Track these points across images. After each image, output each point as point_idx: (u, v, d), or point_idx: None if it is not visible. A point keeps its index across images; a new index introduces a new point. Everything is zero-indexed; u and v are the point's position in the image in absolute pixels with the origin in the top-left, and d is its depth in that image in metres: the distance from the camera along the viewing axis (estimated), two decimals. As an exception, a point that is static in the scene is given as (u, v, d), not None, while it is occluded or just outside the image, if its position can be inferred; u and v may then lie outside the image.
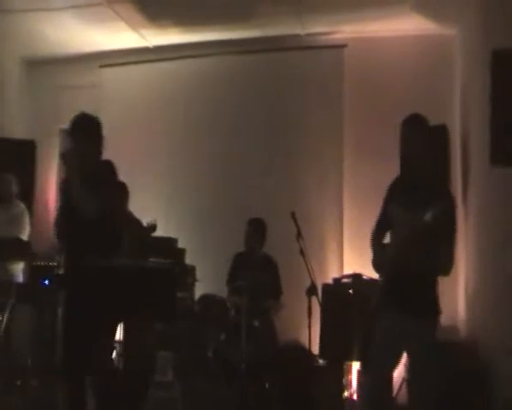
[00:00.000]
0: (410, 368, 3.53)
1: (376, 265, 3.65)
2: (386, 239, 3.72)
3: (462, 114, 5.50)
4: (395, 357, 3.55)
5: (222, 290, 5.31)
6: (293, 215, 4.64)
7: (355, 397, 4.83)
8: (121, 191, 4.92)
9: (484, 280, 4.46)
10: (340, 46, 6.22)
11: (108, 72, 6.93)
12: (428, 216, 3.20)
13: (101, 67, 6.92)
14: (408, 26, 5.95)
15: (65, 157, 3.59)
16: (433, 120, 5.21)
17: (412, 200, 3.39)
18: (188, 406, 4.49)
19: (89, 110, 6.76)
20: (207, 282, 5.56)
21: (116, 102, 6.82)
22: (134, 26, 6.31)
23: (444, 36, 5.92)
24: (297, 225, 4.64)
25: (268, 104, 6.37)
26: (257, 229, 5.40)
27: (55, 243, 4.05)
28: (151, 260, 5.14)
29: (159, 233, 5.29)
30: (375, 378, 3.57)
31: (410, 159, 3.55)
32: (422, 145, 3.54)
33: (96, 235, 3.48)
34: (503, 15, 3.78)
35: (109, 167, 3.70)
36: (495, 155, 3.44)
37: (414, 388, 3.64)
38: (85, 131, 3.63)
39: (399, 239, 3.44)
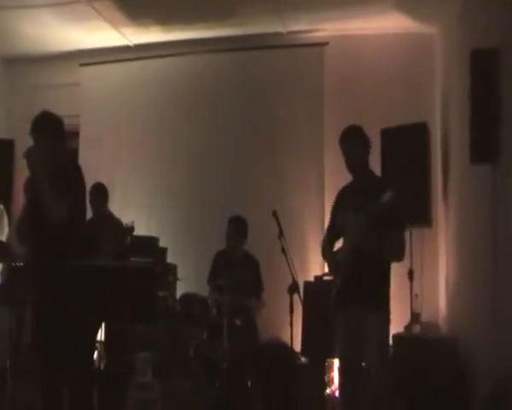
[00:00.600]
0: (366, 361, 3.63)
1: (332, 271, 3.82)
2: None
3: (442, 112, 5.53)
4: (359, 350, 3.63)
5: (204, 289, 5.28)
6: (274, 214, 4.64)
7: (337, 394, 4.83)
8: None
9: (463, 277, 4.50)
10: (322, 44, 6.23)
11: (88, 70, 6.88)
12: (386, 196, 3.36)
13: (82, 65, 6.87)
14: (389, 24, 5.96)
15: (27, 156, 3.45)
16: (414, 118, 5.29)
17: (361, 203, 3.53)
18: (168, 406, 4.46)
19: (68, 109, 6.76)
20: (189, 281, 5.53)
21: (96, 101, 6.79)
22: (114, 25, 6.27)
23: (424, 34, 5.95)
24: (279, 223, 4.64)
25: (249, 102, 6.35)
26: (238, 227, 5.39)
27: (15, 245, 3.99)
28: (132, 259, 5.11)
29: (141, 232, 5.27)
30: (345, 374, 3.69)
31: (352, 169, 3.74)
32: (360, 155, 3.72)
33: (63, 237, 3.42)
34: (481, 15, 3.80)
35: (75, 169, 3.64)
36: (474, 154, 3.47)
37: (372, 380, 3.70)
38: (45, 130, 3.53)
39: (351, 240, 3.58)
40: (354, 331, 3.59)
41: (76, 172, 3.60)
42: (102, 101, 6.77)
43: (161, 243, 5.64)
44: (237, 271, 5.20)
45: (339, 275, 3.72)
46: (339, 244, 3.84)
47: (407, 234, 5.04)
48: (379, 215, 3.40)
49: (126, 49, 6.72)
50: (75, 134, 6.75)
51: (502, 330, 3.22)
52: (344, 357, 3.70)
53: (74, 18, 6.06)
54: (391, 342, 4.51)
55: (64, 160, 3.63)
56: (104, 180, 5.56)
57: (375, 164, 4.76)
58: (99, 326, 4.30)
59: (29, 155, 3.45)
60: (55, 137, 3.54)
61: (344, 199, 3.83)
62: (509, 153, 3.12)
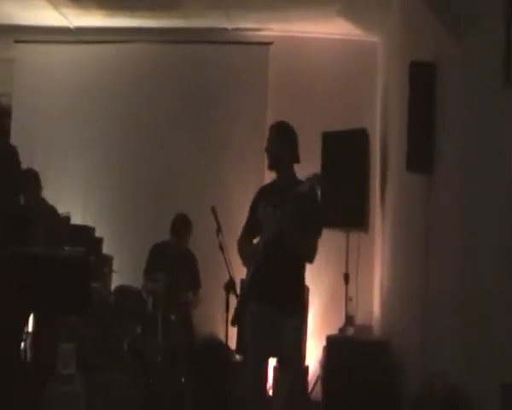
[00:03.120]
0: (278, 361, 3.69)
1: (246, 262, 3.81)
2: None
3: (382, 119, 5.68)
4: (268, 350, 3.64)
5: (139, 282, 5.23)
6: (213, 210, 4.61)
7: (271, 393, 4.89)
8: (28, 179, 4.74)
9: (397, 282, 4.64)
10: (266, 43, 6.25)
11: (24, 47, 6.59)
12: (305, 185, 3.43)
13: (17, 42, 6.59)
14: (334, 29, 6.06)
15: None
16: (355, 124, 5.41)
17: (280, 199, 3.54)
18: (98, 401, 4.38)
19: (1, 86, 6.48)
20: (125, 273, 5.44)
21: (31, 81, 6.52)
22: (54, 4, 6.05)
23: (368, 42, 6.09)
24: (217, 220, 4.62)
25: (191, 97, 6.28)
26: (190, 227, 5.40)
27: None
28: (66, 248, 4.96)
29: (76, 221, 5.13)
30: (252, 368, 3.65)
31: (272, 163, 3.80)
32: (284, 151, 3.74)
33: None
34: (420, 30, 3.93)
35: (11, 153, 3.56)
36: (410, 162, 3.57)
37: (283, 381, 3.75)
38: None
39: (268, 233, 3.57)
40: (266, 327, 3.54)
41: (13, 157, 3.52)
42: (37, 81, 6.50)
43: (97, 234, 5.52)
44: (174, 264, 5.17)
45: (252, 268, 3.70)
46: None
47: (344, 237, 5.20)
48: (297, 205, 3.43)
49: (66, 30, 6.49)
50: (7, 113, 6.49)
51: (431, 334, 3.35)
52: (253, 353, 3.65)
53: (11, -8, 5.84)
54: (325, 343, 4.63)
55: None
56: (38, 164, 5.37)
57: (315, 167, 4.84)
58: (27, 317, 4.18)
59: None
60: None
61: (264, 196, 3.82)
62: (442, 163, 3.24)
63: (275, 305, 3.54)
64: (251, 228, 3.81)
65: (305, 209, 3.48)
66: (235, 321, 3.73)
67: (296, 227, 3.47)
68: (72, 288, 4.38)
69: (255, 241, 3.83)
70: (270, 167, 3.83)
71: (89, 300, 4.58)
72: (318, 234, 3.64)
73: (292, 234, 3.49)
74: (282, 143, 3.74)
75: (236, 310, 4.65)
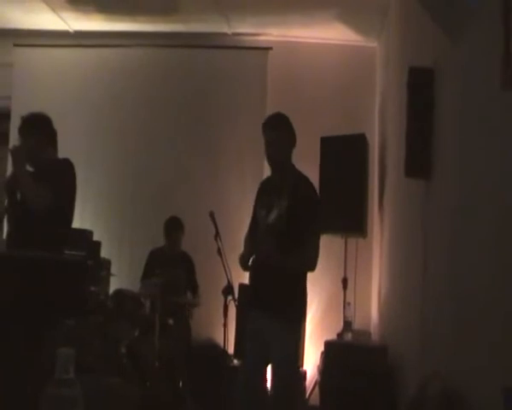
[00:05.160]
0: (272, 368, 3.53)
1: (243, 266, 3.69)
2: None
3: (380, 124, 5.69)
4: (263, 355, 3.47)
5: (138, 286, 5.23)
6: (211, 215, 4.63)
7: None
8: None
9: (395, 288, 4.64)
10: (265, 48, 6.26)
11: (24, 51, 6.60)
12: (271, 218, 3.29)
13: (16, 45, 6.60)
14: (332, 34, 6.09)
15: (11, 152, 3.57)
16: (353, 129, 5.41)
17: (274, 202, 3.43)
18: (95, 405, 4.37)
19: (0, 89, 6.46)
20: (123, 277, 5.45)
21: (30, 85, 6.53)
22: (54, 8, 6.06)
23: (366, 47, 6.12)
24: (215, 224, 4.64)
25: (190, 101, 6.30)
26: (181, 228, 5.40)
27: None
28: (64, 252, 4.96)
29: (74, 225, 5.11)
30: (246, 376, 3.52)
31: (272, 159, 3.54)
32: (283, 144, 3.53)
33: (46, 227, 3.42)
34: (418, 35, 3.94)
35: (62, 161, 3.73)
36: (409, 168, 3.57)
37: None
38: (31, 128, 3.73)
39: (258, 240, 3.47)
40: (259, 334, 3.44)
41: (62, 164, 3.72)
42: (37, 85, 6.51)
43: (95, 237, 5.52)
44: (172, 269, 5.17)
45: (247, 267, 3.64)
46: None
47: (342, 242, 5.20)
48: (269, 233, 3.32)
49: (66, 34, 6.51)
50: (6, 116, 6.49)
51: (428, 339, 3.35)
52: (248, 360, 3.54)
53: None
54: (323, 348, 4.63)
55: (51, 155, 3.78)
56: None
57: (314, 171, 4.85)
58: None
59: (13, 151, 3.57)
60: (41, 134, 3.73)
61: (261, 195, 3.67)
62: (441, 169, 3.25)
63: (265, 310, 3.42)
64: (252, 228, 3.68)
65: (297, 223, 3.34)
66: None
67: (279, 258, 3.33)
68: (70, 291, 4.39)
69: None
70: (270, 164, 3.60)
71: (86, 303, 4.59)
72: (314, 244, 3.44)
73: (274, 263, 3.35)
74: (284, 139, 3.55)
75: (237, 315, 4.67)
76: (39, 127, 3.76)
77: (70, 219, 3.83)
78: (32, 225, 3.50)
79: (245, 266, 3.68)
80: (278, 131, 3.53)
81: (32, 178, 3.54)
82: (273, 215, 3.31)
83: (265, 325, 3.41)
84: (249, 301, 3.62)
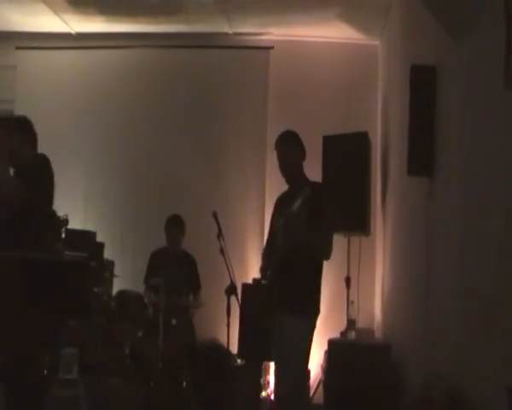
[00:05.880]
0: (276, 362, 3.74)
1: (261, 274, 3.91)
2: None
3: (382, 122, 5.68)
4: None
5: (140, 287, 5.24)
6: (214, 215, 4.64)
7: (272, 397, 4.89)
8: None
9: (398, 286, 4.64)
10: (267, 48, 6.26)
11: (26, 54, 6.61)
12: (296, 205, 3.45)
13: (18, 48, 6.60)
14: (334, 33, 6.08)
15: None
16: (355, 127, 5.41)
17: (285, 211, 3.61)
18: (98, 405, 4.37)
19: (3, 92, 6.47)
20: (126, 278, 5.45)
21: (33, 87, 6.53)
22: (55, 10, 6.06)
23: (368, 45, 6.11)
24: (218, 224, 4.65)
25: (192, 101, 6.30)
26: (180, 226, 5.39)
27: None
28: (67, 253, 4.96)
29: (77, 226, 5.14)
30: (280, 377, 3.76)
31: (286, 173, 3.82)
32: (295, 160, 3.82)
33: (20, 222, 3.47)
34: (420, 33, 3.93)
35: (39, 159, 3.85)
36: (411, 166, 3.57)
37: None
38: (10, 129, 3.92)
39: (277, 244, 3.67)
40: (276, 330, 3.67)
41: (39, 162, 3.86)
42: (39, 87, 6.52)
43: (98, 238, 5.52)
44: (174, 269, 5.17)
45: (267, 278, 3.81)
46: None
47: (345, 241, 5.19)
48: (292, 220, 3.48)
49: (68, 36, 6.51)
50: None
51: (432, 337, 3.35)
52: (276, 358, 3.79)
53: (12, -1, 5.84)
54: (326, 346, 4.63)
55: (29, 154, 3.92)
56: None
57: (316, 170, 4.86)
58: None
59: None
60: (20, 134, 3.92)
61: (280, 205, 3.91)
62: (444, 167, 3.24)
63: (281, 308, 3.64)
64: (271, 241, 3.92)
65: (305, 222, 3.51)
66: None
67: (299, 232, 3.52)
68: (74, 292, 4.39)
69: None
70: (285, 178, 3.87)
71: (89, 304, 4.59)
72: (329, 232, 3.71)
73: (300, 239, 3.55)
74: (294, 154, 3.81)
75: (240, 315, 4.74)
76: (20, 128, 3.96)
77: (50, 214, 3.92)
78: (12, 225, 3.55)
79: (265, 277, 3.84)
80: (289, 148, 3.80)
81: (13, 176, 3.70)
82: (297, 203, 3.46)
83: (280, 321, 3.62)
84: (271, 303, 3.75)
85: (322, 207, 3.63)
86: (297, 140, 3.86)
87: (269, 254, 3.86)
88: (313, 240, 3.60)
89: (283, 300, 3.62)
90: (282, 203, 3.89)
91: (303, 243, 3.57)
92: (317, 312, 3.75)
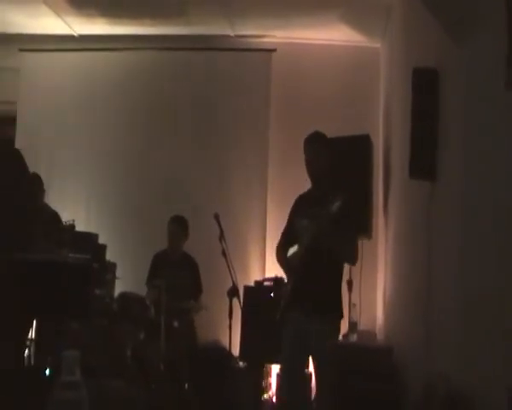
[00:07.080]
0: (314, 367, 3.76)
1: (286, 272, 3.94)
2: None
3: (384, 125, 5.67)
4: (305, 356, 3.79)
5: (142, 289, 5.24)
6: (216, 217, 4.65)
7: (274, 400, 4.89)
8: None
9: (400, 289, 4.63)
10: (269, 50, 6.28)
11: (29, 56, 6.64)
12: (335, 207, 3.50)
13: (21, 50, 6.63)
14: (336, 35, 6.09)
15: None
16: (357, 130, 5.41)
17: (316, 212, 3.63)
18: (100, 407, 4.37)
19: (5, 94, 6.50)
20: (128, 280, 5.45)
21: (36, 89, 6.57)
22: (58, 12, 6.09)
23: (370, 48, 6.12)
24: (220, 226, 4.66)
25: (195, 103, 6.32)
26: (181, 226, 5.39)
27: None
28: (70, 255, 4.97)
29: (79, 227, 5.14)
30: (289, 378, 3.80)
31: (313, 174, 3.84)
32: (323, 160, 3.85)
33: None
34: (422, 36, 3.93)
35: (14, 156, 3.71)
36: (413, 169, 3.57)
37: (319, 387, 3.88)
38: None
39: (304, 245, 3.68)
40: (302, 336, 3.67)
41: (8, 156, 3.76)
42: (42, 89, 6.55)
43: (101, 240, 5.53)
44: (175, 271, 5.17)
45: (291, 277, 3.81)
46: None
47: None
48: (329, 222, 3.51)
49: (70, 38, 6.55)
50: (12, 120, 6.52)
51: (434, 340, 3.34)
52: (289, 360, 3.79)
53: (15, 1, 5.84)
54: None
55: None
56: (42, 171, 5.39)
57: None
58: (30, 323, 4.18)
59: None
60: None
61: (301, 206, 3.91)
62: (446, 170, 3.24)
63: (311, 312, 3.68)
64: (288, 236, 3.93)
65: (338, 224, 3.56)
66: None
67: (333, 233, 3.57)
68: (75, 294, 4.39)
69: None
70: (312, 179, 3.88)
71: (91, 306, 4.59)
72: (355, 237, 3.80)
73: (329, 239, 3.60)
74: (323, 155, 3.85)
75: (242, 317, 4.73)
76: None
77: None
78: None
79: (289, 272, 3.88)
80: (316, 147, 3.86)
81: None
82: (337, 203, 3.50)
83: (306, 323, 3.65)
84: (292, 304, 3.78)
85: (353, 214, 3.70)
86: (325, 142, 3.88)
87: (285, 253, 3.90)
88: (346, 245, 3.66)
89: (315, 302, 3.64)
90: (304, 204, 3.87)
91: (336, 246, 3.60)
92: (342, 315, 3.86)
